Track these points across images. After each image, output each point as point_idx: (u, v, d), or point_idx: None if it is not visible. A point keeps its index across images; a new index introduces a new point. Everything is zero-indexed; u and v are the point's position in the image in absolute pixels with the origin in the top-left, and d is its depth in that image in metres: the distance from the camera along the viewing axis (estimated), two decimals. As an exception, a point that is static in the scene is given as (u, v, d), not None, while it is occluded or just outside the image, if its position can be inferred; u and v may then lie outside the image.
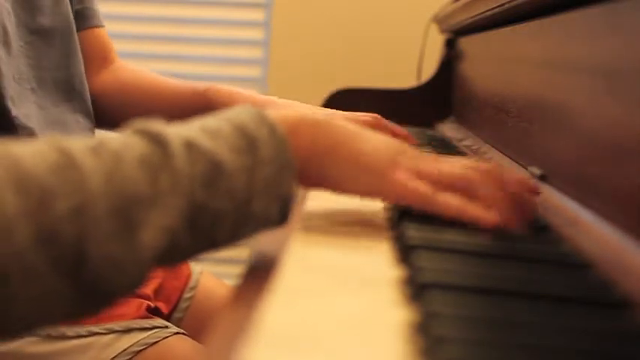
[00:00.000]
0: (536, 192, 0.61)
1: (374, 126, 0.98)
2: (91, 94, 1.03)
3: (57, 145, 0.42)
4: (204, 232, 0.46)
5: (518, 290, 0.44)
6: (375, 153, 0.54)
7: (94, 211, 0.41)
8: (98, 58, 1.08)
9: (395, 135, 1.04)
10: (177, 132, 0.46)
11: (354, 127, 0.56)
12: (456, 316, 0.39)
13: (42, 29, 0.93)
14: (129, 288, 0.43)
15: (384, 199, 0.59)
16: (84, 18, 1.05)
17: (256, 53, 2.20)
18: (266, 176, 0.48)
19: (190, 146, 0.46)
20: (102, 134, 0.46)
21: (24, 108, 0.88)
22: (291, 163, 0.50)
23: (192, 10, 2.24)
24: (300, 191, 0.54)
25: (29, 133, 0.86)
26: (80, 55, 1.00)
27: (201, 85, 1.04)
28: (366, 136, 0.56)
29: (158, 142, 0.45)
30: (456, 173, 0.56)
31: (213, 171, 0.46)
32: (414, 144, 1.06)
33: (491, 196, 0.55)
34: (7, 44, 0.86)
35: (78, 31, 1.02)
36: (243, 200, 0.47)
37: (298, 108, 0.98)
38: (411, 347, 0.35)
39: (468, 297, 0.42)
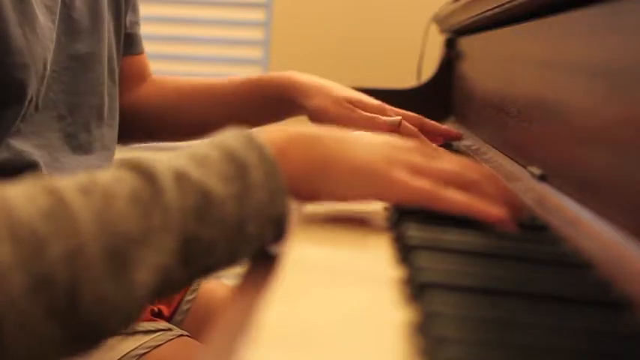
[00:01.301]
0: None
1: (420, 127, 1.00)
2: (128, 109, 1.04)
3: (47, 188, 0.42)
4: (198, 262, 0.46)
5: (518, 290, 0.44)
6: (369, 156, 0.54)
7: (87, 254, 0.41)
8: (138, 80, 1.10)
9: (441, 134, 1.05)
10: (166, 164, 0.46)
11: (343, 135, 0.55)
12: (456, 316, 0.39)
13: (80, 54, 0.91)
14: (121, 327, 0.44)
15: (386, 201, 0.59)
16: (129, 45, 1.06)
17: (256, 53, 2.20)
18: (258, 201, 0.48)
19: (180, 179, 0.46)
20: (94, 171, 0.46)
21: (42, 138, 0.86)
22: (282, 185, 0.49)
23: (193, 10, 2.24)
24: (295, 208, 0.53)
25: (33, 167, 0.84)
26: (116, 81, 0.99)
27: (253, 76, 1.09)
28: (356, 140, 0.55)
29: (148, 177, 0.45)
30: (454, 169, 0.56)
31: (203, 201, 0.46)
32: (458, 136, 1.07)
33: (489, 193, 0.55)
34: (43, 77, 0.84)
35: (124, 55, 1.03)
36: (235, 227, 0.47)
37: (338, 90, 1.00)
38: (411, 347, 0.35)
39: (468, 297, 0.42)
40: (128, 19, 1.04)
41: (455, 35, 1.41)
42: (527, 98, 0.82)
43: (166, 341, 0.87)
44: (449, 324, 0.37)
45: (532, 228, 0.59)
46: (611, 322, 0.41)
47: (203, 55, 2.22)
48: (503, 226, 0.54)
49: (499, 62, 1.02)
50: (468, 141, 1.09)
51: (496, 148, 0.94)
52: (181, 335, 0.90)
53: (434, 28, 1.54)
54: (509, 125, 0.89)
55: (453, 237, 0.53)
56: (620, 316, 0.41)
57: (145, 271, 0.43)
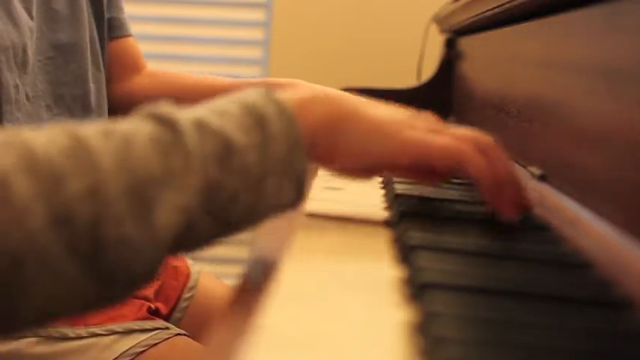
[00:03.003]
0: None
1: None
2: (123, 100, 1.03)
3: (68, 131, 0.42)
4: (220, 212, 0.45)
5: (518, 290, 0.44)
6: (389, 117, 0.54)
7: (107, 192, 0.40)
8: (128, 65, 1.09)
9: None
10: (185, 113, 0.46)
11: (365, 100, 0.56)
12: (455, 316, 0.39)
13: (62, 44, 0.92)
14: (147, 273, 0.43)
15: (405, 160, 0.55)
16: (112, 28, 1.06)
17: (256, 53, 2.20)
18: (277, 153, 0.48)
19: (200, 126, 0.45)
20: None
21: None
22: (301, 139, 0.49)
23: (193, 10, 2.24)
24: (313, 169, 0.53)
25: None
26: (102, 69, 0.99)
27: (247, 80, 1.08)
28: (377, 105, 0.55)
29: (167, 123, 0.45)
30: (473, 136, 0.55)
31: (224, 149, 0.45)
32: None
33: (504, 167, 0.55)
34: (24, 63, 0.85)
35: (108, 40, 1.03)
36: (256, 178, 0.46)
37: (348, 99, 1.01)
38: (411, 347, 0.35)
39: (468, 297, 0.42)
40: (108, 4, 1.03)
41: (455, 35, 1.41)
42: (527, 98, 0.82)
43: (163, 340, 0.87)
44: (449, 324, 0.37)
45: (532, 228, 0.59)
46: (611, 322, 0.41)
47: (203, 55, 2.22)
48: (507, 218, 0.54)
49: (499, 62, 1.02)
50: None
51: (496, 148, 0.93)
52: (178, 334, 0.90)
53: (434, 28, 1.54)
54: (509, 125, 0.89)
55: (453, 237, 0.53)
56: (620, 316, 0.41)
57: (169, 212, 0.42)
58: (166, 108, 0.46)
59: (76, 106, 0.94)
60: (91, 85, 0.97)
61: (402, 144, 0.53)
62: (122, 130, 0.43)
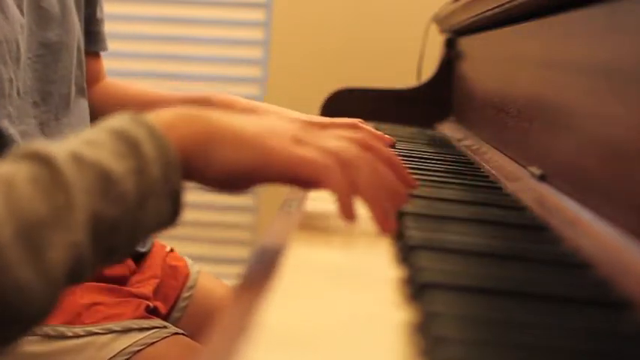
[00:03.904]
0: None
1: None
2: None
3: None
4: (104, 241, 0.46)
5: (518, 290, 0.44)
6: (253, 128, 0.53)
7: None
8: (94, 78, 1.11)
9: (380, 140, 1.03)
10: (60, 148, 0.46)
11: (236, 115, 0.54)
12: (456, 316, 0.39)
13: (51, 43, 0.93)
14: (42, 314, 0.43)
15: (269, 171, 0.53)
16: (95, 42, 1.07)
17: (256, 53, 2.20)
18: (153, 175, 0.48)
19: (76, 159, 0.45)
20: None
21: (23, 125, 0.88)
22: (174, 158, 0.49)
23: (193, 10, 2.24)
24: (186, 186, 0.52)
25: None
26: (84, 71, 1.01)
27: (200, 93, 1.08)
28: (245, 117, 0.54)
29: (43, 160, 0.45)
30: (341, 149, 0.53)
31: (103, 180, 0.46)
32: (392, 144, 1.05)
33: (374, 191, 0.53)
34: (17, 60, 0.86)
35: (85, 50, 1.03)
36: (135, 203, 0.47)
37: (290, 114, 1.00)
38: (411, 347, 0.35)
39: (468, 297, 0.42)
40: (89, 14, 1.04)
41: (455, 35, 1.41)
42: (527, 98, 0.82)
43: (161, 339, 0.87)
44: (449, 324, 0.37)
45: (532, 228, 0.59)
46: (611, 322, 0.41)
47: (203, 55, 2.22)
48: (383, 230, 0.53)
49: (499, 62, 1.02)
50: (468, 141, 1.09)
51: (496, 148, 0.94)
52: (176, 333, 0.90)
53: (434, 28, 1.54)
54: (509, 125, 0.89)
55: (453, 237, 0.53)
56: (620, 316, 0.41)
57: (60, 251, 0.42)
58: (40, 145, 0.46)
59: (61, 105, 0.95)
60: (73, 87, 0.98)
61: (266, 156, 0.52)
62: (1, 173, 0.43)
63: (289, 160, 0.52)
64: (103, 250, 0.46)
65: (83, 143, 0.47)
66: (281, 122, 0.56)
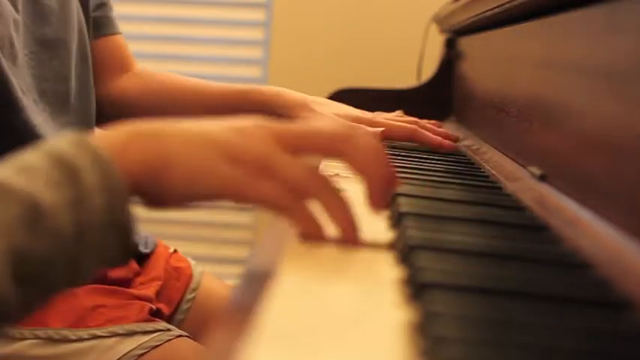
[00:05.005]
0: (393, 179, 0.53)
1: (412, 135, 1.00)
2: (113, 100, 1.03)
3: None
4: (35, 280, 0.42)
5: (518, 290, 0.44)
6: (208, 151, 0.48)
7: None
8: (116, 64, 1.09)
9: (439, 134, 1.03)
10: None
11: (190, 128, 0.50)
12: (456, 316, 0.39)
13: (47, 39, 0.92)
14: None
15: (226, 198, 0.50)
16: (100, 26, 1.05)
17: (256, 53, 2.20)
18: (95, 206, 0.44)
19: (1, 189, 0.42)
20: None
21: (35, 119, 0.88)
22: (121, 188, 0.45)
23: (193, 10, 2.24)
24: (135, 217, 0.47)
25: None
26: (89, 66, 0.99)
27: (243, 86, 1.07)
28: (202, 136, 0.49)
29: None
30: (298, 184, 0.49)
31: (31, 212, 0.42)
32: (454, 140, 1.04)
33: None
34: (12, 56, 0.85)
35: (95, 38, 1.02)
36: (72, 237, 0.43)
37: (341, 108, 1.00)
38: (411, 347, 0.35)
39: (468, 297, 0.42)
40: (94, 2, 1.03)
41: (455, 35, 1.41)
42: (527, 98, 0.82)
43: (165, 341, 0.87)
44: (449, 324, 0.37)
45: (532, 228, 0.59)
46: (611, 322, 0.41)
47: (203, 55, 2.22)
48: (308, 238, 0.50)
49: (499, 62, 1.02)
50: (468, 141, 1.09)
51: (496, 148, 0.94)
52: (180, 336, 0.90)
53: (434, 28, 1.54)
54: (509, 125, 0.89)
55: (453, 237, 0.53)
56: (620, 316, 0.41)
57: None
58: None
59: (57, 103, 0.94)
60: (73, 83, 0.96)
61: (221, 186, 0.48)
62: None
63: (245, 194, 0.48)
64: (37, 288, 0.42)
65: (16, 170, 0.43)
66: (241, 139, 0.49)
